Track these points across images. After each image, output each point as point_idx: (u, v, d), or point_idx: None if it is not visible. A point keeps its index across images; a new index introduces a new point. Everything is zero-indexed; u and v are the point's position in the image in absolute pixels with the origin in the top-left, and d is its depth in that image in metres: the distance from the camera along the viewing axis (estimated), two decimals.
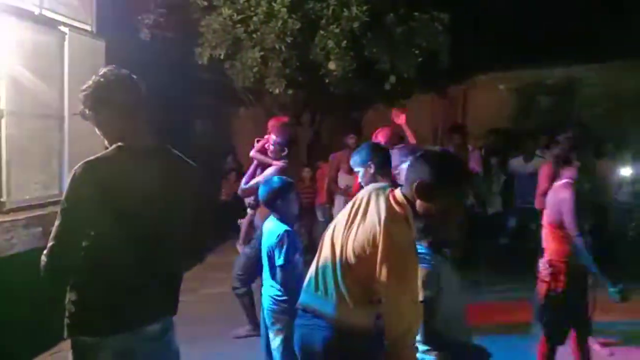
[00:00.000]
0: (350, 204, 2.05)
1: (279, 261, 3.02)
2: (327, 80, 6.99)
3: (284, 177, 3.35)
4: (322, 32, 6.71)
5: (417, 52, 7.11)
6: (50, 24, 4.28)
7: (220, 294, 5.63)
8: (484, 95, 9.51)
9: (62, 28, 4.38)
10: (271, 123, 4.50)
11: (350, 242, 1.87)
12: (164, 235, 1.91)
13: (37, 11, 4.14)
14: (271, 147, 4.30)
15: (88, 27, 4.75)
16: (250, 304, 4.54)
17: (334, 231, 1.99)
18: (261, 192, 3.24)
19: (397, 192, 1.90)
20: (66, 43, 4.37)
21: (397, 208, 1.84)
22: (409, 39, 7.14)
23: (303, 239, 7.44)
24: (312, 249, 6.99)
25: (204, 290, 5.60)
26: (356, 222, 1.91)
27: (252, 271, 4.28)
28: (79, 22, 4.63)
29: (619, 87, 8.49)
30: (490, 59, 8.35)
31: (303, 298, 2.03)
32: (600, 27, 7.71)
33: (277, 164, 4.26)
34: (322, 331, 1.92)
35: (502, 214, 7.26)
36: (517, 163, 7.07)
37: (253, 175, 4.45)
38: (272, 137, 4.31)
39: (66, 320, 1.88)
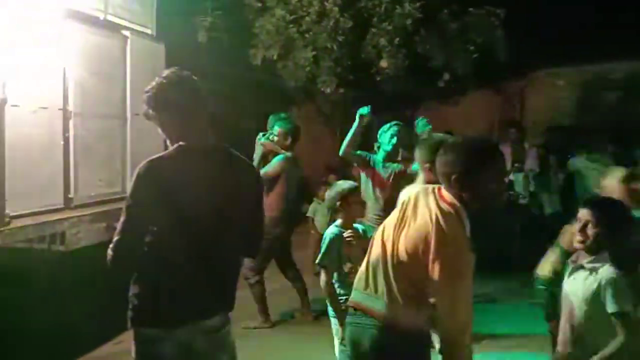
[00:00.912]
0: (399, 204, 2.05)
1: (317, 261, 3.11)
2: (378, 79, 6.96)
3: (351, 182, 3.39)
4: (374, 29, 6.68)
5: (472, 48, 6.95)
6: (113, 29, 4.47)
7: (277, 289, 5.69)
8: (543, 92, 9.17)
9: (125, 32, 4.57)
10: (273, 117, 4.84)
11: (402, 240, 1.87)
12: (222, 232, 1.96)
13: (101, 16, 4.33)
14: (275, 139, 4.61)
15: (149, 31, 4.93)
16: (261, 294, 4.56)
17: (384, 230, 1.98)
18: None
19: (444, 191, 1.88)
20: (128, 46, 4.55)
21: (445, 206, 1.83)
22: (464, 35, 6.99)
23: None
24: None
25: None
26: (407, 220, 1.90)
27: (264, 260, 4.41)
28: (140, 26, 4.81)
29: None
30: (549, 54, 8.04)
31: (353, 296, 2.03)
32: None
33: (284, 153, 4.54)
34: (371, 330, 1.90)
35: (561, 215, 6.99)
36: (578, 161, 6.78)
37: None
38: (276, 129, 4.63)
39: (129, 312, 1.96)
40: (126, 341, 2.10)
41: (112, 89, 4.41)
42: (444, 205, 1.84)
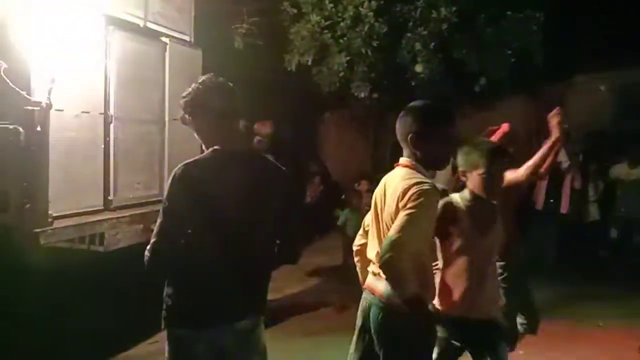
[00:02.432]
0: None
1: None
2: (413, 84, 6.90)
3: None
4: (409, 34, 6.64)
5: (508, 52, 6.83)
6: (153, 35, 4.59)
7: (306, 294, 5.73)
8: (583, 97, 8.91)
9: (164, 39, 4.68)
10: (256, 126, 5.41)
11: (385, 217, 2.06)
12: (255, 236, 1.99)
13: (141, 24, 4.46)
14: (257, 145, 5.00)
15: (187, 38, 5.04)
16: None
17: (376, 212, 2.18)
18: None
19: (401, 160, 2.14)
20: (167, 53, 4.67)
21: (402, 168, 2.09)
22: (500, 39, 6.87)
23: None
24: None
25: (290, 289, 5.72)
26: (384, 198, 2.12)
27: None
28: (179, 32, 4.93)
29: None
30: (589, 58, 7.82)
31: (367, 278, 2.22)
32: None
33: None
34: (376, 308, 2.08)
35: (600, 224, 6.76)
36: (620, 169, 6.56)
37: None
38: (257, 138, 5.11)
39: (163, 313, 2.00)
40: (161, 341, 2.14)
41: (151, 94, 4.53)
42: (402, 169, 2.09)
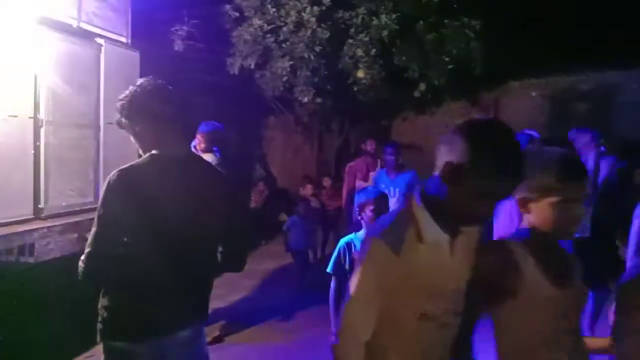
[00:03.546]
0: None
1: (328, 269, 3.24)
2: (355, 89, 7.01)
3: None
4: (350, 40, 6.74)
5: (447, 59, 7.06)
6: (87, 36, 4.41)
7: (248, 300, 5.67)
8: (516, 102, 9.35)
9: (99, 40, 4.51)
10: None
11: None
12: (195, 243, 1.93)
13: (74, 24, 4.28)
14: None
15: (123, 39, 4.88)
16: None
17: None
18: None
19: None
20: (102, 54, 4.50)
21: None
22: (440, 47, 7.10)
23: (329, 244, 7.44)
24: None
25: (233, 296, 5.64)
26: None
27: None
28: (115, 34, 4.77)
29: None
30: (523, 66, 8.21)
31: None
32: (637, 31, 7.50)
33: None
34: None
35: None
36: None
37: None
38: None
39: (99, 325, 1.91)
40: (97, 355, 2.04)
41: (85, 97, 4.35)
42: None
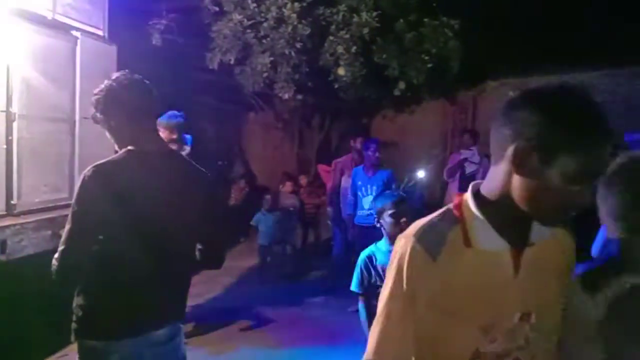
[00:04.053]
0: None
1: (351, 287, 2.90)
2: (336, 86, 7.00)
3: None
4: (331, 37, 6.72)
5: (426, 58, 7.10)
6: (62, 28, 4.31)
7: (228, 298, 5.64)
8: (494, 102, 9.47)
9: (74, 32, 4.41)
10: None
11: None
12: (173, 240, 1.91)
13: (49, 16, 4.17)
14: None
15: (100, 32, 4.78)
16: None
17: None
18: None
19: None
20: (78, 47, 4.40)
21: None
22: (419, 45, 7.13)
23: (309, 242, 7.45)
24: (319, 252, 6.98)
25: (212, 294, 5.60)
26: None
27: None
28: (91, 26, 4.67)
29: (630, 93, 8.42)
30: (500, 66, 8.31)
31: None
32: (613, 32, 7.66)
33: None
34: None
35: None
36: None
37: None
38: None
39: (73, 324, 1.88)
40: (71, 354, 2.01)
41: (60, 91, 4.25)
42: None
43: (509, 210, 1.07)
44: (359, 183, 5.37)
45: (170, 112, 4.12)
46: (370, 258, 2.79)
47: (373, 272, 2.76)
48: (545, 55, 7.77)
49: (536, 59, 7.84)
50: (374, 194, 5.15)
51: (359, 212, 5.31)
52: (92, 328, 1.87)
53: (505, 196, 1.07)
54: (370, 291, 2.72)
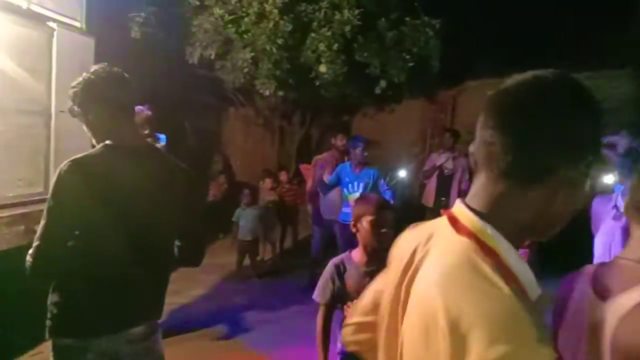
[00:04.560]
0: None
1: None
2: (317, 83, 7.00)
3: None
4: (313, 34, 6.72)
5: (407, 57, 7.15)
6: (38, 19, 4.21)
7: (206, 295, 5.59)
8: (473, 101, 9.57)
9: (51, 23, 4.32)
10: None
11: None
12: (151, 237, 1.88)
13: (25, 5, 4.07)
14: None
15: (77, 24, 4.69)
16: None
17: None
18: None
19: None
20: (54, 39, 4.31)
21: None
22: (400, 44, 7.18)
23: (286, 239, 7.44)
24: (297, 250, 6.97)
25: (191, 291, 5.55)
26: None
27: None
28: (68, 18, 4.57)
29: (604, 95, 8.62)
30: (480, 65, 8.41)
31: None
32: (590, 35, 7.82)
33: None
34: None
35: None
36: None
37: None
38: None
39: (48, 322, 1.84)
40: (45, 352, 1.97)
41: (36, 83, 4.15)
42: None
43: (522, 234, 0.91)
44: (346, 179, 5.37)
45: (137, 107, 4.05)
46: (338, 267, 2.44)
47: (338, 284, 2.41)
48: (525, 57, 7.88)
49: (516, 60, 7.94)
50: (360, 190, 5.17)
51: (345, 210, 5.31)
52: (67, 326, 1.83)
53: (516, 217, 0.89)
54: (332, 303, 2.42)
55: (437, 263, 0.90)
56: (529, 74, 0.94)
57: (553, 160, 0.86)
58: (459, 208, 0.93)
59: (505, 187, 0.89)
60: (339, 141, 6.03)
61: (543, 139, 0.86)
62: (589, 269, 1.18)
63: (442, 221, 0.97)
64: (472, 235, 0.88)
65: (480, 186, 0.93)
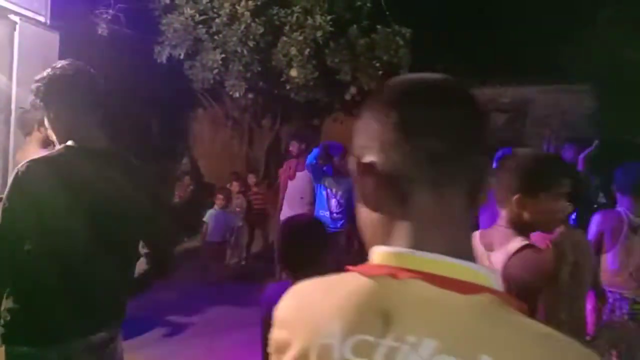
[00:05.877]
0: None
1: None
2: (288, 87, 6.99)
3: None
4: (285, 38, 6.71)
5: (377, 64, 7.21)
6: None
7: (170, 299, 5.49)
8: None
9: (13, 17, 4.17)
10: None
11: None
12: (112, 242, 1.82)
13: None
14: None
15: (41, 18, 4.54)
16: None
17: None
18: None
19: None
20: (16, 33, 4.16)
21: None
22: (371, 51, 7.24)
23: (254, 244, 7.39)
24: (268, 254, 6.92)
25: (153, 295, 5.44)
26: None
27: None
28: (32, 11, 4.42)
29: (564, 108, 8.94)
30: (449, 76, 8.56)
31: None
32: (554, 51, 8.07)
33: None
34: None
35: None
36: None
37: None
38: None
39: (1, 329, 1.76)
40: None
41: None
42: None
43: None
44: (326, 183, 5.32)
45: None
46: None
47: None
48: (492, 70, 8.08)
49: (483, 72, 8.13)
50: (338, 198, 5.16)
51: (322, 212, 5.22)
52: (23, 333, 1.76)
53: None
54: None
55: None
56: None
57: None
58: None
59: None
60: (292, 147, 5.99)
61: None
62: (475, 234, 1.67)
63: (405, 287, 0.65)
64: (483, 289, 0.63)
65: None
